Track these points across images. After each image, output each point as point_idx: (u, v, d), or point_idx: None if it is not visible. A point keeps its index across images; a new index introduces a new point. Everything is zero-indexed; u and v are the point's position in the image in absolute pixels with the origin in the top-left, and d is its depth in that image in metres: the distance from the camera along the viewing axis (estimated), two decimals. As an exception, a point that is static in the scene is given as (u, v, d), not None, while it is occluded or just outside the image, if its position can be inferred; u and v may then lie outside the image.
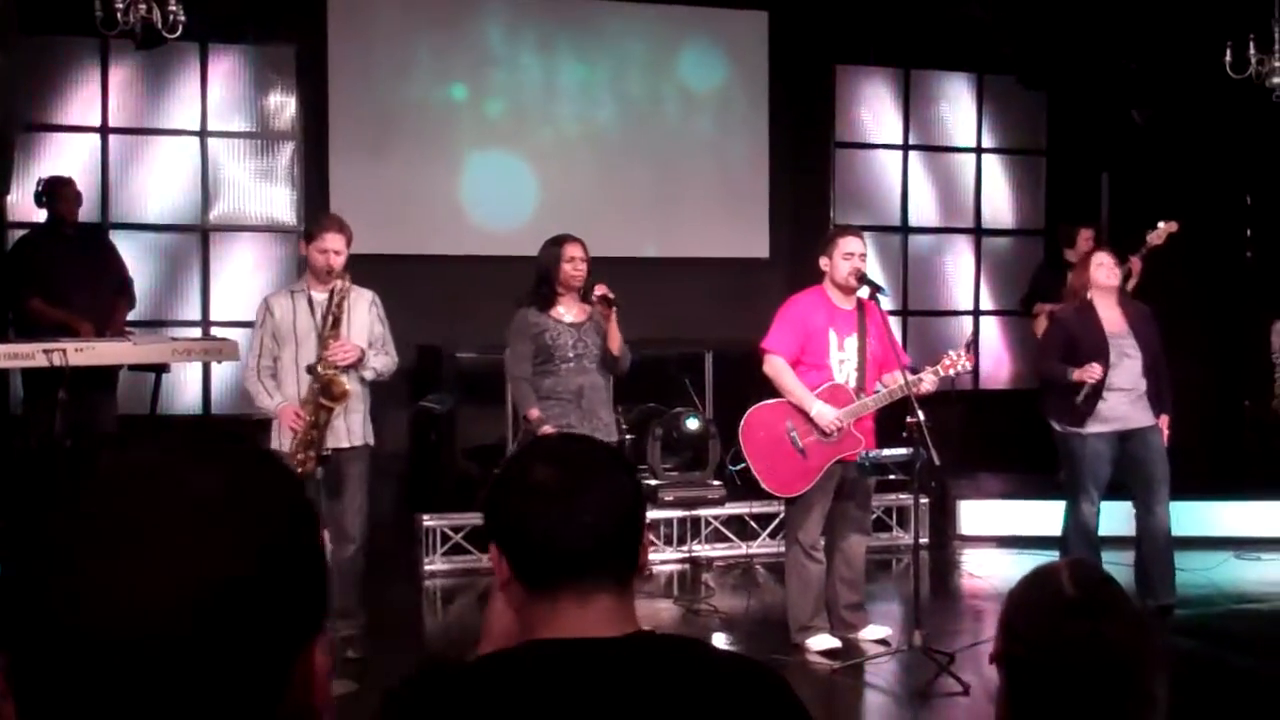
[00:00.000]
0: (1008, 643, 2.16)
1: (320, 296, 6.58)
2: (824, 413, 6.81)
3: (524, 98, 10.86)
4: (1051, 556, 9.02)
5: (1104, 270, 7.60)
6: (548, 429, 6.77)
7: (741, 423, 6.97)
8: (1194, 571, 8.44)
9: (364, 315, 6.66)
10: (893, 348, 7.01)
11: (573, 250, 7.05)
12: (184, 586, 0.88)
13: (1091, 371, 7.39)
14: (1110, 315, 7.58)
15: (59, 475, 0.95)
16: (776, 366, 6.93)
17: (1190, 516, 8.46)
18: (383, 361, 6.73)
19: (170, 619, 0.88)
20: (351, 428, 6.59)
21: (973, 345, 7.31)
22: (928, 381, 6.83)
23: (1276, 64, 8.46)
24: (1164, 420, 7.63)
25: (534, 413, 6.90)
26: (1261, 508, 9.40)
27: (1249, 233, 11.38)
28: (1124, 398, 7.50)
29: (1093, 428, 7.52)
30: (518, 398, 7.10)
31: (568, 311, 7.06)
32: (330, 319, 6.49)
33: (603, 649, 1.88)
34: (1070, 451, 7.66)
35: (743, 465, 6.99)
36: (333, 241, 6.57)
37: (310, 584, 0.96)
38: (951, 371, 7.02)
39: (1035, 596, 2.17)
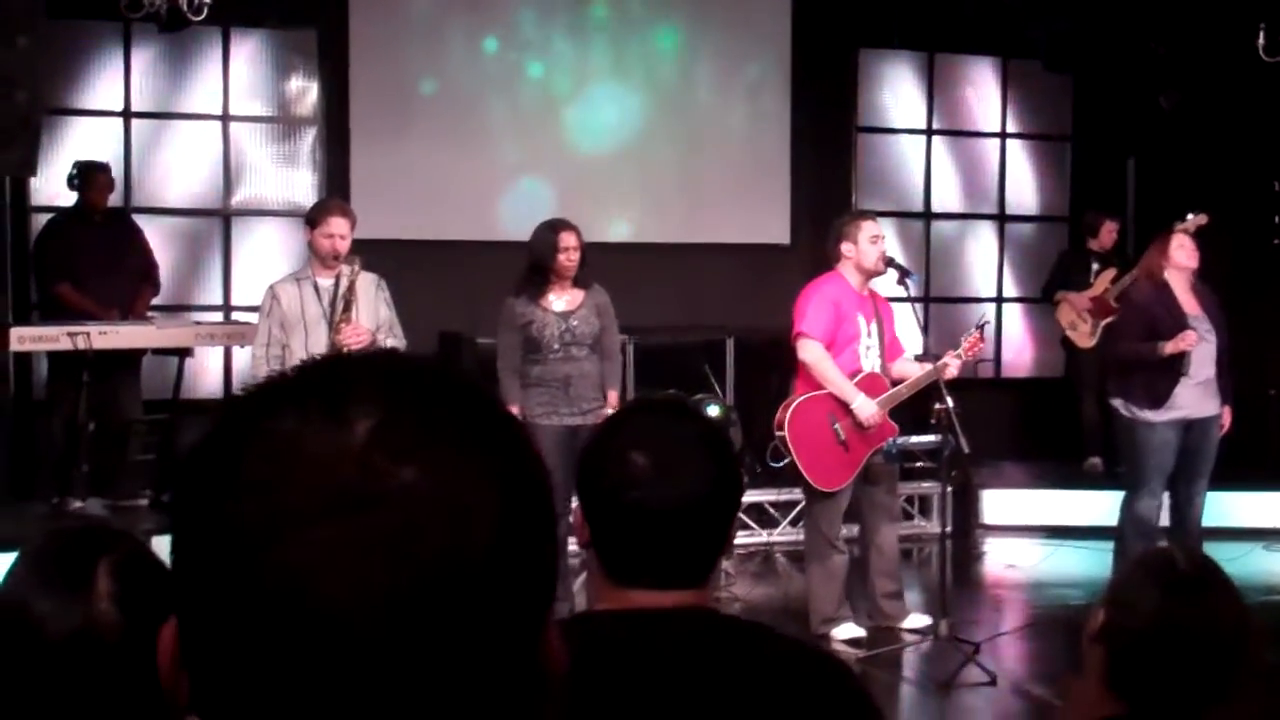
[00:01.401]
0: (1119, 616, 2.18)
1: (326, 283, 6.55)
2: (865, 407, 6.73)
3: (550, 81, 10.81)
4: (1077, 546, 9.02)
5: (1184, 252, 7.34)
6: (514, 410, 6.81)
7: (786, 418, 6.82)
8: (1222, 562, 8.34)
9: (371, 299, 6.64)
10: (895, 338, 7.00)
11: (567, 239, 6.98)
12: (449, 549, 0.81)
13: (1187, 339, 7.08)
14: (1186, 297, 7.33)
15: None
16: (815, 354, 6.80)
17: (1217, 507, 8.38)
18: (394, 344, 6.68)
19: (415, 588, 0.80)
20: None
21: (982, 326, 7.22)
22: (953, 366, 6.79)
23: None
24: (1226, 412, 7.41)
25: (513, 409, 6.86)
26: (1288, 498, 9.32)
27: (1278, 220, 11.28)
28: (1196, 384, 7.27)
29: (1165, 415, 7.23)
30: (502, 388, 7.01)
31: (558, 299, 7.01)
32: (342, 303, 6.47)
33: (661, 621, 1.85)
34: (1137, 440, 7.35)
35: (786, 460, 6.91)
36: (337, 226, 6.54)
37: (553, 554, 0.89)
38: (974, 355, 6.98)
39: (1148, 573, 2.22)
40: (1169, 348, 7.10)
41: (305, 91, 10.30)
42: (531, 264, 7.03)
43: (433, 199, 10.25)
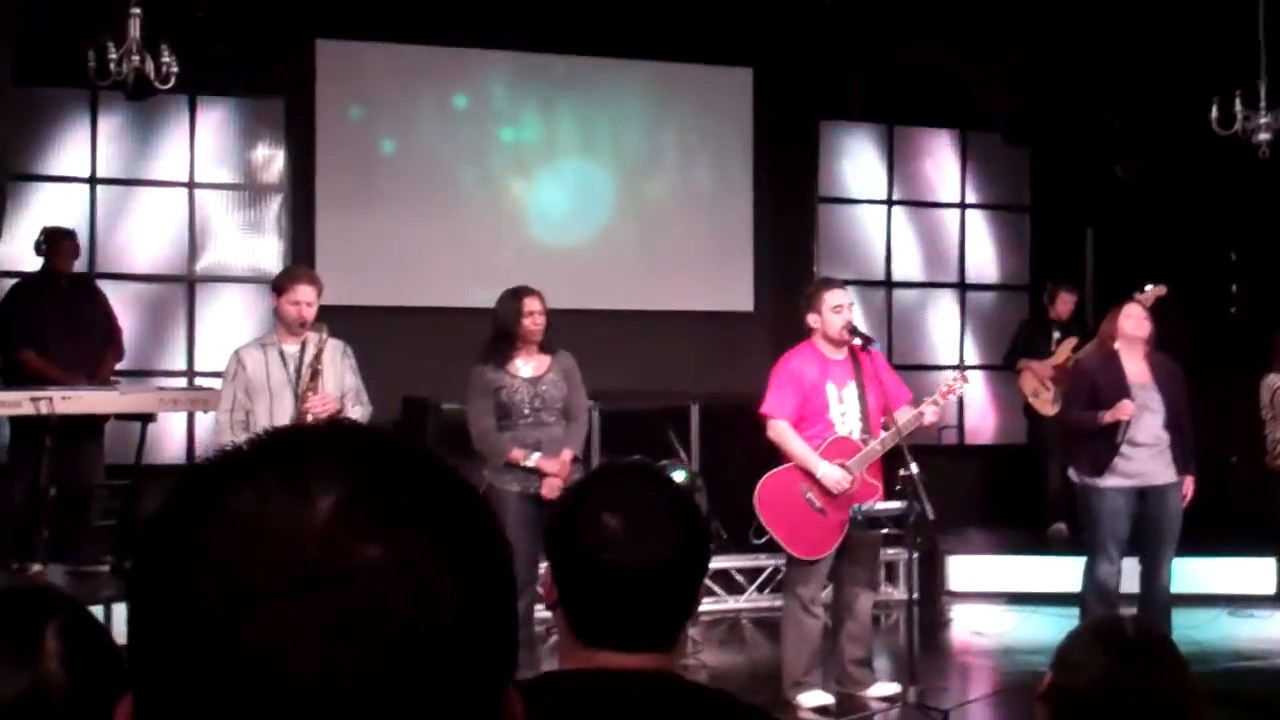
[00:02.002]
0: (1063, 678, 2.20)
1: (291, 349, 6.54)
2: (830, 474, 6.74)
3: (517, 151, 10.90)
4: (1045, 612, 9.03)
5: (1132, 322, 7.49)
6: (536, 459, 6.75)
7: (756, 495, 6.83)
8: (1188, 629, 8.39)
9: (337, 366, 6.63)
10: (893, 388, 6.98)
11: (531, 304, 6.99)
12: (406, 625, 0.80)
13: (1124, 410, 7.22)
14: (1135, 366, 7.44)
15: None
16: (780, 431, 6.82)
17: (1182, 573, 8.42)
18: (359, 412, 6.69)
19: (382, 665, 0.79)
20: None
21: (964, 368, 7.29)
22: (929, 413, 6.81)
23: (1262, 120, 8.51)
24: (1189, 481, 7.48)
25: (516, 454, 6.85)
26: (1252, 564, 9.38)
27: (1234, 289, 11.43)
28: (1145, 452, 7.36)
29: (1111, 481, 7.36)
30: (489, 450, 6.97)
31: (525, 365, 7.01)
32: (309, 371, 6.46)
33: (626, 683, 1.86)
34: (1089, 507, 7.50)
35: (766, 537, 6.92)
36: (304, 293, 6.53)
37: (514, 625, 0.89)
38: (952, 397, 7.03)
39: (1096, 637, 2.25)
40: (1107, 417, 7.25)
41: (271, 159, 10.34)
42: (497, 330, 7.03)
43: (398, 266, 10.28)
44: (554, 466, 6.92)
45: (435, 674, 0.81)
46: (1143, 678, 2.15)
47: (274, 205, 10.36)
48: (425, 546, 0.82)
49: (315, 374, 6.50)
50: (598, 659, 1.88)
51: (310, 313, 6.54)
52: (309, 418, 6.37)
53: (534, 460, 6.88)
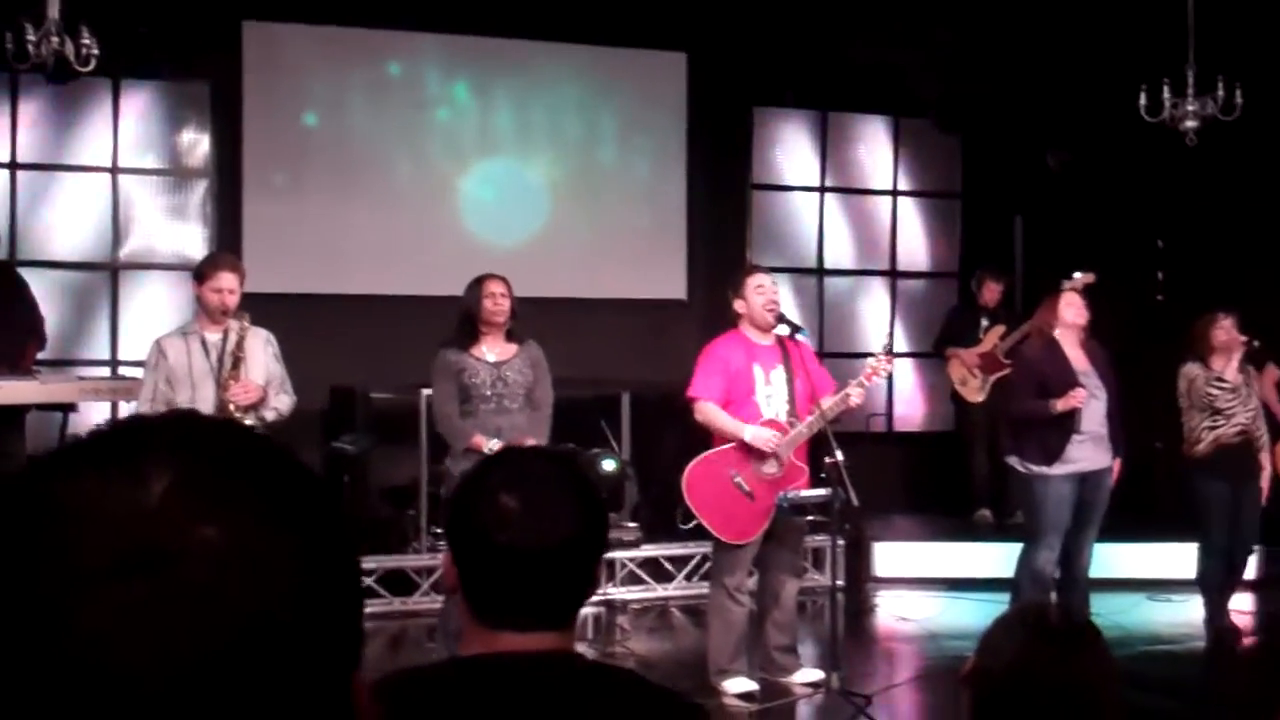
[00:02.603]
0: (984, 661, 2.22)
1: (214, 338, 6.47)
2: (759, 434, 6.76)
3: (451, 138, 10.81)
4: (969, 598, 9.10)
5: (1073, 310, 7.60)
6: (496, 445, 6.68)
7: (684, 480, 6.85)
8: (1109, 613, 8.48)
9: (260, 355, 6.56)
10: (819, 378, 7.01)
11: (493, 286, 6.95)
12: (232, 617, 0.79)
13: (1077, 397, 7.29)
14: (1075, 354, 7.55)
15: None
16: (706, 411, 6.85)
17: (1104, 558, 8.51)
18: (283, 401, 6.64)
19: (216, 647, 0.79)
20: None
21: (890, 348, 7.31)
22: (855, 395, 6.84)
23: (1190, 108, 8.58)
24: (1117, 463, 7.61)
25: (478, 440, 6.77)
26: (1173, 549, 9.47)
27: (1160, 276, 11.53)
28: (1088, 438, 7.46)
29: (1059, 469, 7.43)
30: (451, 434, 6.92)
31: (490, 350, 6.95)
32: (231, 360, 6.40)
33: (527, 665, 1.86)
34: (1034, 495, 7.53)
35: (694, 523, 6.92)
36: (226, 281, 6.47)
37: (357, 611, 0.88)
38: (877, 379, 7.05)
39: (1020, 622, 2.28)
40: (1060, 405, 7.29)
41: (196, 144, 10.22)
42: (462, 315, 6.99)
43: (327, 253, 10.20)
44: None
45: (271, 658, 0.80)
46: (1060, 662, 2.16)
47: (199, 191, 10.25)
48: (262, 529, 0.82)
49: (237, 362, 6.44)
50: (499, 641, 1.88)
51: (233, 300, 6.47)
52: (231, 407, 6.33)
53: (495, 446, 6.80)
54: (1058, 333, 7.57)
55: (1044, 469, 7.43)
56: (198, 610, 0.78)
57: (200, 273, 6.64)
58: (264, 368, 6.58)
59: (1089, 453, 7.46)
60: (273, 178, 10.19)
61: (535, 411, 7.05)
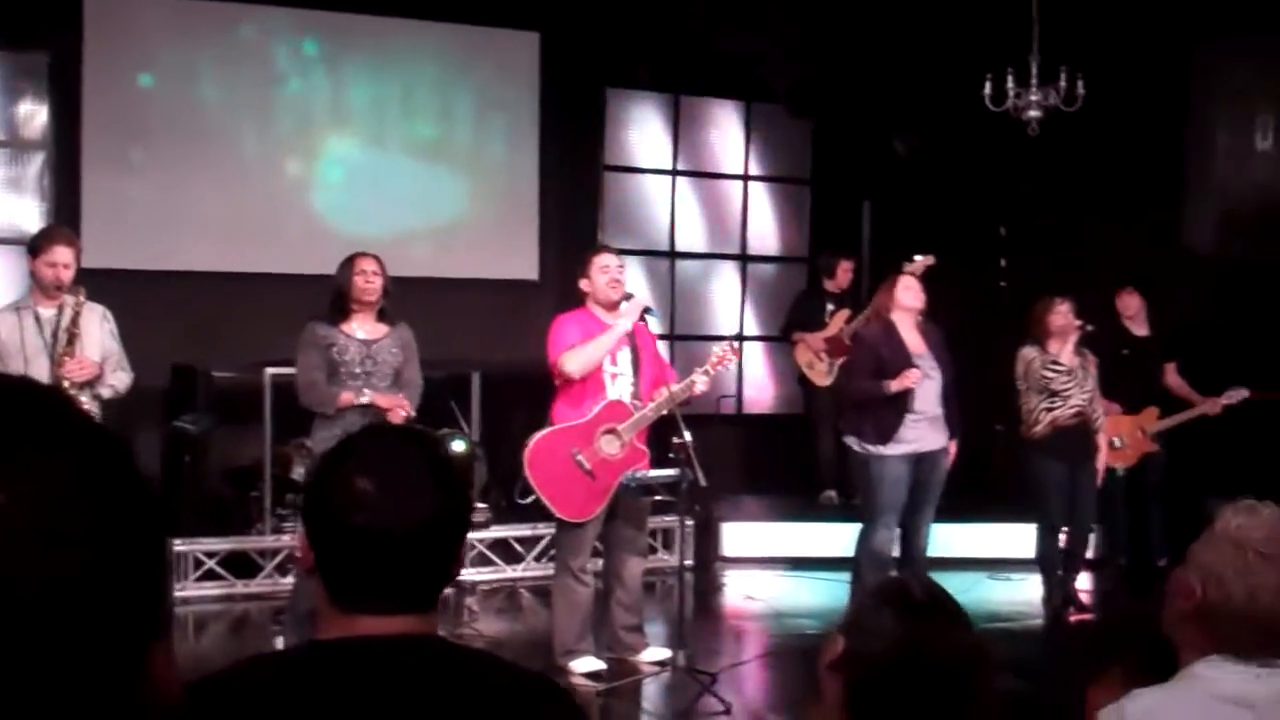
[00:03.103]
0: (857, 644, 2.20)
1: (47, 313, 6.33)
2: (619, 325, 6.81)
3: (302, 115, 10.61)
4: (815, 576, 9.23)
5: (910, 293, 7.75)
6: (369, 395, 6.63)
7: (526, 456, 6.84)
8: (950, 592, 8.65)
9: (96, 331, 6.42)
10: (662, 366, 7.07)
11: (365, 264, 6.87)
12: (31, 580, 0.77)
13: (910, 377, 7.44)
14: (911, 336, 7.70)
15: None
16: (572, 356, 6.81)
17: (944, 538, 8.68)
18: (119, 378, 6.52)
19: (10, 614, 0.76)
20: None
21: (739, 340, 7.39)
22: (700, 382, 6.89)
23: (1033, 97, 8.76)
24: (953, 445, 7.78)
25: (347, 396, 6.66)
26: (1012, 529, 9.68)
27: (1003, 263, 11.77)
28: (923, 419, 7.61)
29: (894, 449, 7.57)
30: (318, 400, 6.76)
31: (360, 327, 6.85)
32: (66, 336, 6.25)
33: (387, 649, 1.81)
34: (871, 475, 7.67)
35: (533, 497, 6.90)
36: (61, 255, 6.33)
37: (156, 579, 0.85)
38: (723, 367, 7.10)
39: (884, 601, 2.24)
40: (894, 385, 7.45)
41: (34, 115, 9.90)
42: (334, 292, 6.87)
43: (169, 228, 9.95)
44: (390, 400, 6.75)
45: (59, 625, 0.78)
46: (938, 637, 2.15)
47: (36, 163, 9.94)
48: (52, 497, 0.79)
49: (72, 338, 6.31)
50: (356, 625, 1.83)
51: (67, 275, 6.34)
52: (65, 383, 6.18)
53: (367, 397, 6.70)
54: (895, 315, 7.72)
55: (879, 449, 7.59)
56: None
57: (34, 246, 6.50)
58: (100, 344, 6.44)
59: (924, 433, 7.62)
60: (113, 151, 9.92)
61: (404, 390, 6.93)
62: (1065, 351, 8.18)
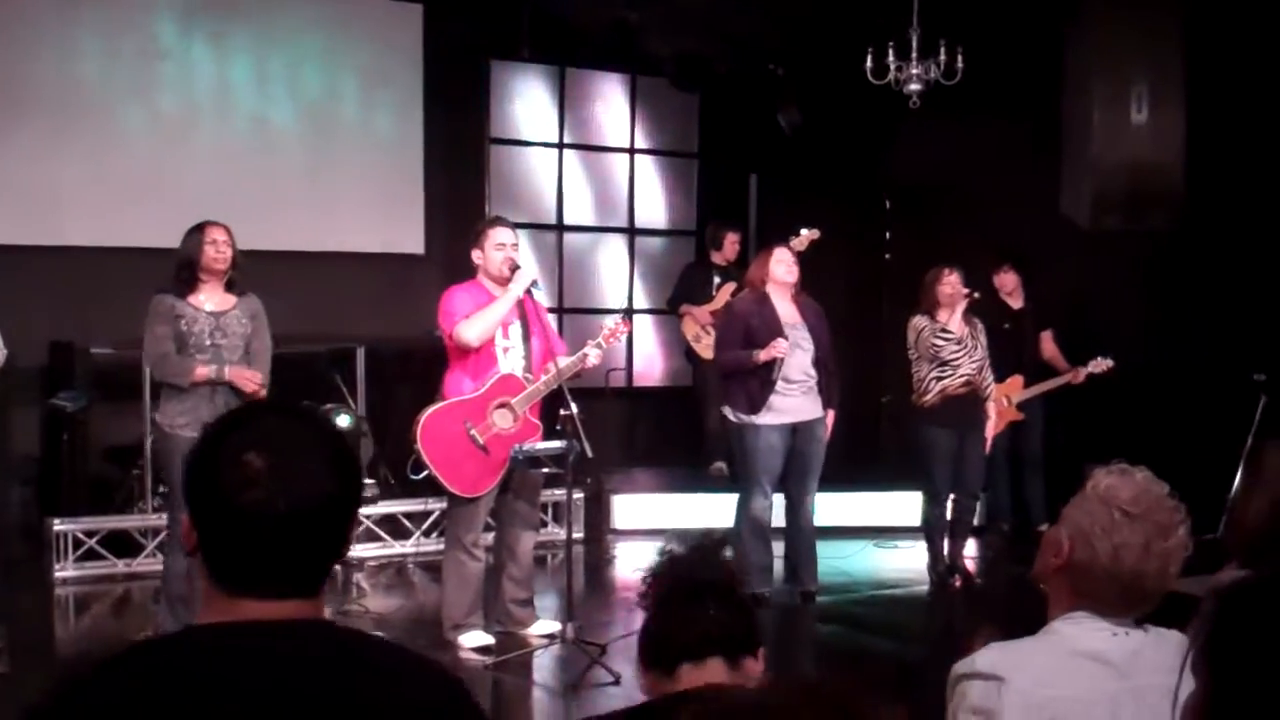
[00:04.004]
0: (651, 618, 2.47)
1: None
2: (511, 291, 6.77)
3: (185, 86, 10.37)
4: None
5: (783, 266, 7.86)
6: (227, 370, 6.52)
7: (418, 430, 6.77)
8: (836, 559, 8.76)
9: None
10: (552, 339, 7.05)
11: (214, 233, 6.71)
12: None
13: (777, 348, 7.57)
14: (786, 308, 7.82)
15: None
16: (468, 325, 6.76)
17: (831, 507, 8.77)
18: None
19: None
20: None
21: (629, 314, 7.41)
22: (593, 355, 6.91)
23: (914, 71, 8.82)
24: (830, 415, 7.90)
25: (201, 370, 6.52)
26: (898, 498, 9.81)
27: (887, 235, 11.89)
28: (796, 389, 7.74)
29: (767, 419, 7.69)
30: (172, 372, 6.61)
31: (209, 299, 6.71)
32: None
33: (273, 633, 1.75)
34: (744, 444, 7.79)
35: (425, 472, 6.84)
36: None
37: None
38: (615, 341, 7.12)
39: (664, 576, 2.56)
40: (762, 355, 7.61)
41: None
42: (180, 262, 6.70)
43: (43, 202, 9.68)
44: (242, 375, 6.61)
45: None
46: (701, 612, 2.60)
47: (-95, 136, 9.65)
48: None
49: (-57, 315, 6.13)
50: (239, 609, 1.77)
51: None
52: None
53: (227, 373, 6.57)
54: (769, 288, 7.81)
55: (751, 418, 7.72)
56: None
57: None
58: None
59: (798, 403, 7.75)
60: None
61: (254, 362, 6.79)
62: (954, 320, 8.29)
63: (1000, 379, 9.17)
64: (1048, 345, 9.80)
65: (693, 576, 2.60)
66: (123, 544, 8.53)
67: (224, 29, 10.51)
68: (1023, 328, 9.73)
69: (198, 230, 6.75)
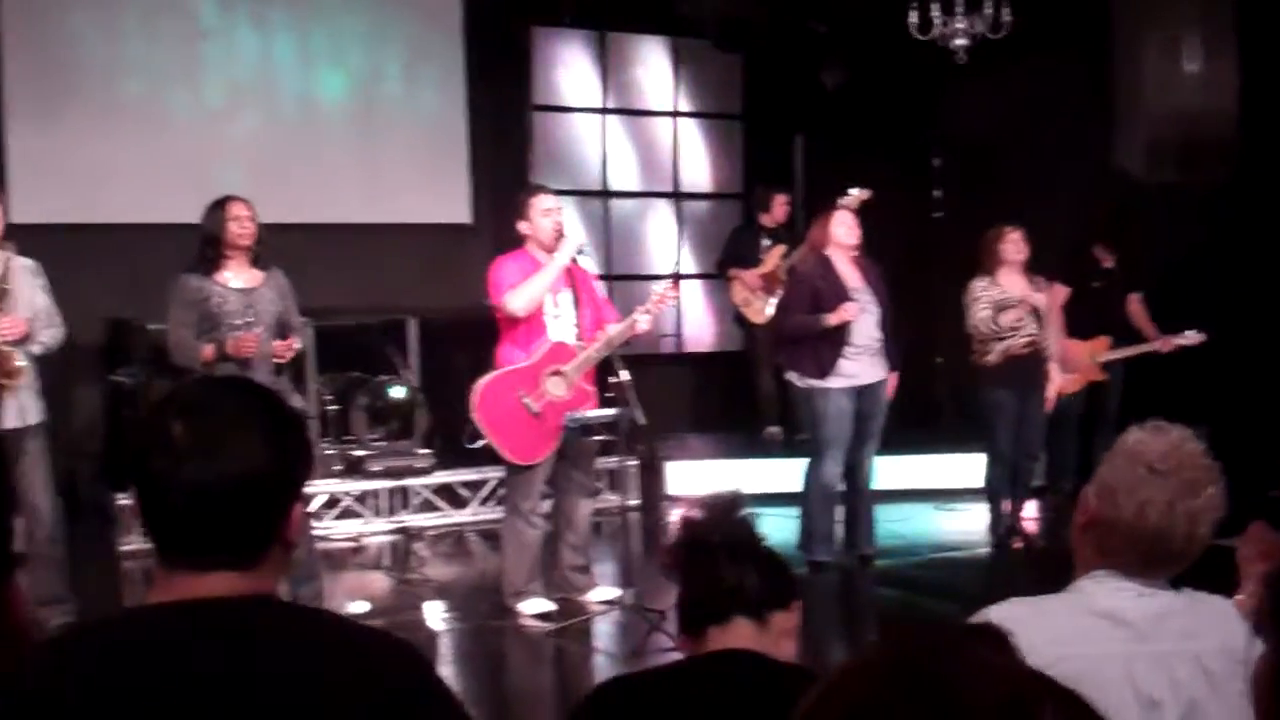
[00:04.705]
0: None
1: None
2: (557, 259, 6.76)
3: (229, 62, 10.43)
4: (758, 513, 9.21)
5: (845, 228, 7.76)
6: (230, 342, 6.43)
7: (473, 400, 6.80)
8: (895, 522, 8.73)
9: (26, 287, 6.29)
10: (601, 306, 7.06)
11: (237, 209, 6.66)
12: None
13: (848, 310, 7.48)
14: (848, 270, 7.72)
15: None
16: (516, 295, 6.75)
17: (890, 470, 8.73)
18: (51, 334, 6.39)
19: None
20: (24, 406, 6.23)
21: (677, 278, 7.38)
22: (642, 321, 6.87)
23: (959, 25, 8.72)
24: (893, 377, 7.82)
25: (207, 350, 6.45)
26: (956, 460, 9.76)
27: (937, 194, 11.80)
28: (864, 352, 7.66)
29: (835, 382, 7.61)
30: (183, 356, 6.55)
31: (236, 276, 6.66)
32: (-3, 292, 6.15)
33: (210, 611, 1.73)
34: (814, 409, 7.70)
35: (482, 442, 6.87)
36: None
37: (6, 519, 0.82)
38: (664, 306, 7.09)
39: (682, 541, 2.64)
40: (832, 319, 7.50)
41: (-47, 69, 9.69)
42: (203, 240, 6.65)
43: (96, 181, 9.78)
44: (245, 339, 6.47)
45: None
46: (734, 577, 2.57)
47: (-43, 118, 9.73)
48: None
49: (3, 295, 6.18)
50: (175, 581, 1.76)
51: (-8, 230, 6.21)
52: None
53: (228, 346, 6.45)
54: (830, 250, 7.74)
55: (820, 382, 7.64)
56: None
57: (-43, 203, 6.34)
58: (29, 302, 6.31)
59: (864, 367, 7.68)
60: (37, 105, 9.71)
61: (292, 335, 6.75)
62: (1016, 281, 8.17)
63: (1086, 337, 9.03)
64: (1135, 308, 9.39)
65: (707, 538, 2.60)
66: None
67: (265, 8, 10.54)
68: (1111, 287, 9.35)
69: (219, 206, 6.70)
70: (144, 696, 1.66)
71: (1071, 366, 8.96)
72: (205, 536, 1.75)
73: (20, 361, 6.13)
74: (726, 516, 2.66)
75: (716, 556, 2.57)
